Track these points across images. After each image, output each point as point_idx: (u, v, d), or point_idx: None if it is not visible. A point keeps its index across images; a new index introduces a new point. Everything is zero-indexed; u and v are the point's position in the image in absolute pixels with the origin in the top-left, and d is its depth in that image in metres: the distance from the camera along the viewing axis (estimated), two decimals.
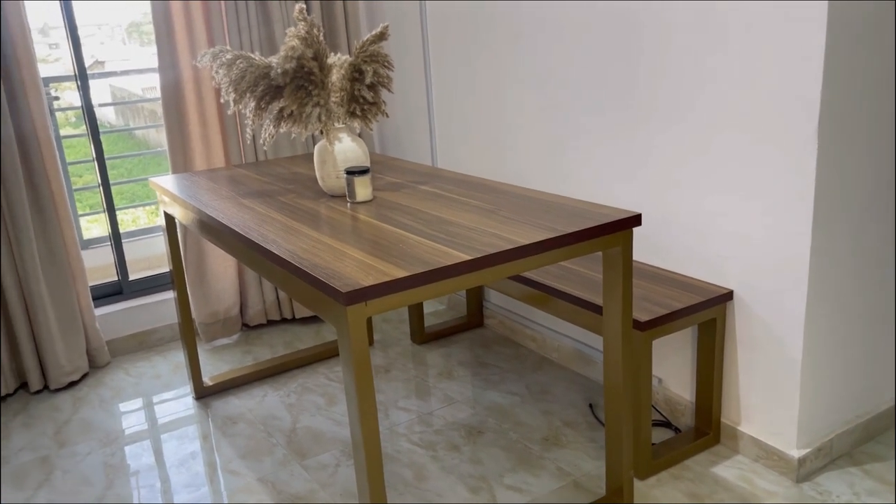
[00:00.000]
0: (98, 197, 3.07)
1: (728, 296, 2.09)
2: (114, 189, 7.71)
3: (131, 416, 2.63)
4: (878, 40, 1.85)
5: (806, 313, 1.93)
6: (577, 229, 1.65)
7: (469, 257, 1.51)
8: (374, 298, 1.42)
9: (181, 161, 3.00)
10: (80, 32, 2.87)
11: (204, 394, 2.72)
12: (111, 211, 3.10)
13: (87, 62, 2.93)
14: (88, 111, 2.98)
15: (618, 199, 2.39)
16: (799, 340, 1.95)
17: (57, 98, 3.05)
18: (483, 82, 2.82)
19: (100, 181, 3.08)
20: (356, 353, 1.43)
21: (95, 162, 3.05)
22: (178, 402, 2.71)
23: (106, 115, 9.45)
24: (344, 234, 1.74)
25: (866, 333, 2.11)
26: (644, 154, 2.26)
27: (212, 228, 2.08)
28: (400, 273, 1.45)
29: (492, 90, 2.79)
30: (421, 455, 2.28)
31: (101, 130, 3.01)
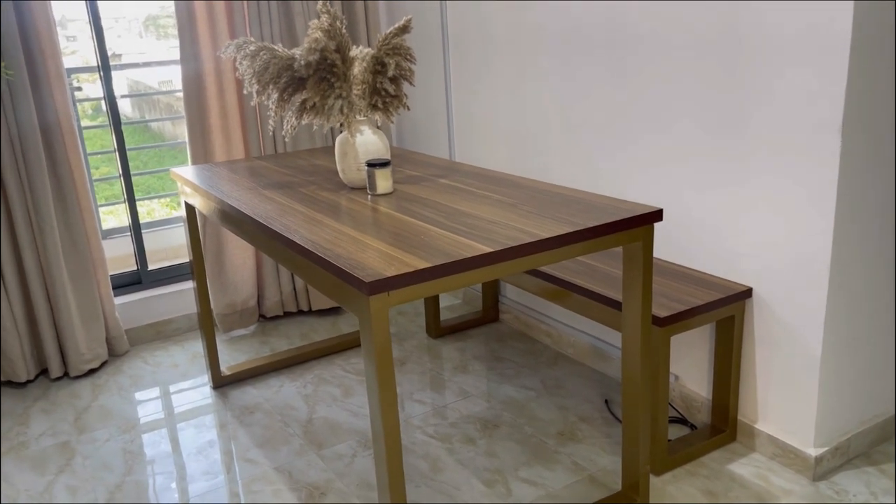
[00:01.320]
0: (113, 188, 3.09)
1: (747, 293, 2.09)
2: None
3: (149, 404, 2.66)
4: None
5: (826, 311, 1.92)
6: (597, 224, 1.65)
7: (490, 249, 1.52)
8: (396, 289, 1.43)
9: (201, 152, 3.02)
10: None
11: (221, 383, 2.75)
12: (132, 201, 3.12)
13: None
14: (111, 102, 3.01)
15: (637, 196, 2.39)
16: (818, 339, 1.95)
17: (79, 89, 3.08)
18: (502, 77, 2.82)
19: (121, 171, 3.10)
20: (378, 343, 1.44)
21: (117, 152, 3.08)
22: (195, 392, 2.73)
23: (122, 108, 9.49)
24: (365, 225, 1.75)
25: (885, 333, 2.11)
26: (664, 151, 2.26)
27: (233, 219, 2.10)
28: (422, 264, 1.46)
29: (511, 85, 2.79)
30: (436, 447, 2.29)
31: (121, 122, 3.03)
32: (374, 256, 1.53)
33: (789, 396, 2.06)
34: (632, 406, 1.88)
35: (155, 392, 2.75)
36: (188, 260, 3.34)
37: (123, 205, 3.15)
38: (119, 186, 3.15)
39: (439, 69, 3.15)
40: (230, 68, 2.99)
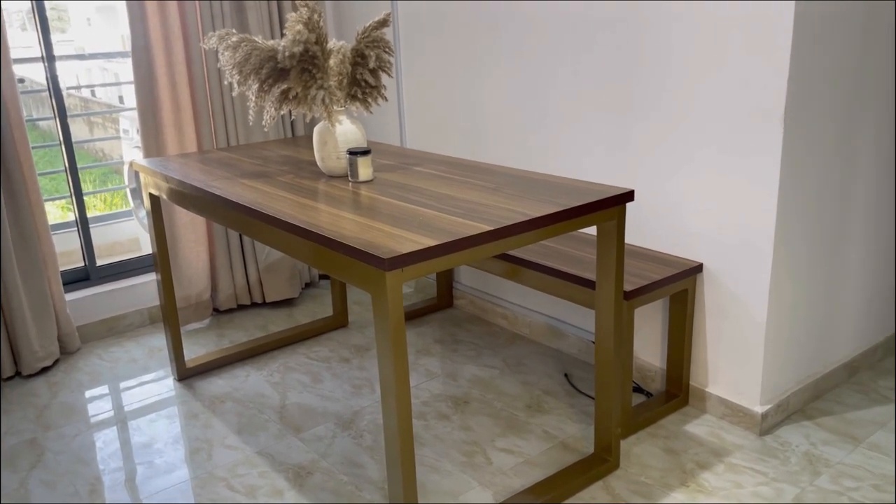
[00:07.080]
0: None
1: (698, 268, 2.29)
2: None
3: (114, 399, 2.64)
4: (839, 34, 2.07)
5: (770, 283, 2.14)
6: (580, 204, 1.80)
7: (491, 228, 1.63)
8: (409, 265, 1.53)
9: (154, 146, 3.00)
10: None
11: (186, 375, 2.75)
12: (79, 196, 3.06)
13: None
14: (56, 94, 2.95)
15: (592, 180, 2.55)
16: (764, 307, 2.17)
17: (22, 81, 3.00)
18: (454, 69, 2.94)
19: (67, 165, 3.04)
20: (394, 316, 1.53)
21: (63, 146, 3.01)
22: (160, 384, 2.73)
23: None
24: (360, 209, 1.83)
25: (819, 302, 2.35)
26: (616, 137, 2.43)
27: (218, 209, 2.13)
28: (431, 242, 1.56)
29: (463, 77, 2.91)
30: (413, 425, 2.39)
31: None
32: (381, 236, 1.62)
33: (737, 361, 2.27)
34: (605, 375, 2.04)
35: (117, 387, 2.73)
36: (145, 253, 3.30)
37: (60, 201, 3.09)
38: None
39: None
40: (182, 60, 2.98)
